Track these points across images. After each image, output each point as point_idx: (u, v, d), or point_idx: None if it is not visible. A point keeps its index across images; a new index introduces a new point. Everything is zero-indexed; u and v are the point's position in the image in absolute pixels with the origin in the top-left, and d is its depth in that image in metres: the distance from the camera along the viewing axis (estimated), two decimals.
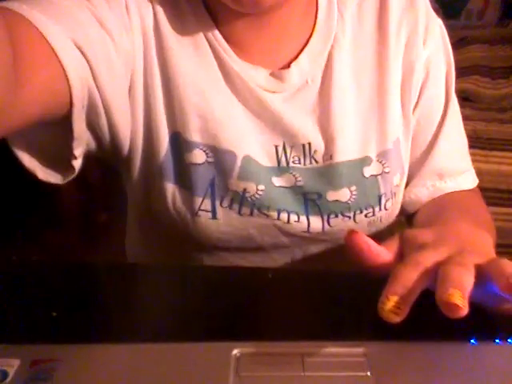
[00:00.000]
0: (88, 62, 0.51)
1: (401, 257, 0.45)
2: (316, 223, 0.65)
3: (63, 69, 0.48)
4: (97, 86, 0.53)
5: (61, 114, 0.51)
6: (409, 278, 0.40)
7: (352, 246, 0.44)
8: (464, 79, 1.23)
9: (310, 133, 0.63)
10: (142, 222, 0.73)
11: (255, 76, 0.62)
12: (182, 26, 0.61)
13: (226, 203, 0.63)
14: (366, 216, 0.66)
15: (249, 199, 0.63)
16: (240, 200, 0.63)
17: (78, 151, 0.54)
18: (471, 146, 0.74)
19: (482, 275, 0.39)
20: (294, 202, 0.65)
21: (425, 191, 0.70)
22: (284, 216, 0.64)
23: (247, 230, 0.64)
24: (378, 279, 0.41)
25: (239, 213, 0.63)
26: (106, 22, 0.54)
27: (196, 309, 0.49)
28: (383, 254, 0.44)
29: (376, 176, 0.65)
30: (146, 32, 0.60)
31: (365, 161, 0.65)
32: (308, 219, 0.65)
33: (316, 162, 0.64)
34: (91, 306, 0.50)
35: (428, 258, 0.41)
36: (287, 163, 0.64)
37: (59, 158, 0.55)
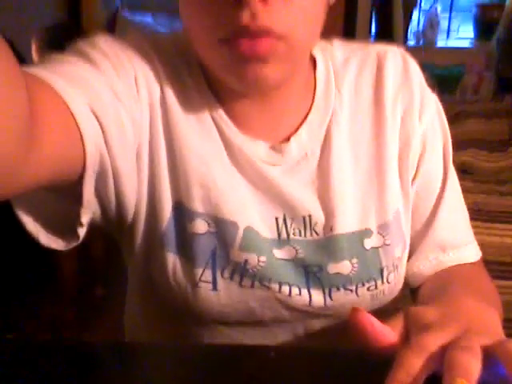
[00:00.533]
0: (102, 128, 0.52)
1: (406, 336, 0.44)
2: (318, 297, 0.64)
3: (80, 133, 0.49)
4: (108, 153, 0.54)
5: (70, 180, 0.51)
6: (413, 364, 0.39)
7: (355, 324, 0.43)
8: (462, 152, 1.24)
9: (310, 205, 0.64)
10: (142, 295, 0.72)
11: (256, 149, 0.63)
12: (187, 100, 0.63)
13: (226, 274, 0.63)
14: (368, 289, 0.65)
15: (250, 271, 0.62)
16: (241, 271, 0.63)
17: (85, 219, 0.54)
18: (473, 219, 0.74)
19: (490, 357, 0.39)
20: (295, 274, 0.64)
21: (428, 264, 0.69)
22: (285, 289, 0.63)
23: (248, 302, 0.63)
24: (382, 359, 0.40)
25: (240, 284, 0.63)
26: (117, 90, 0.56)
27: None
28: (387, 333, 0.43)
29: (377, 248, 0.65)
30: (153, 104, 0.61)
31: (365, 233, 0.65)
32: (309, 293, 0.64)
33: (316, 234, 0.64)
34: None
35: (433, 342, 0.41)
36: (288, 235, 0.64)
37: (64, 224, 0.55)
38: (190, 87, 0.63)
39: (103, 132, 0.53)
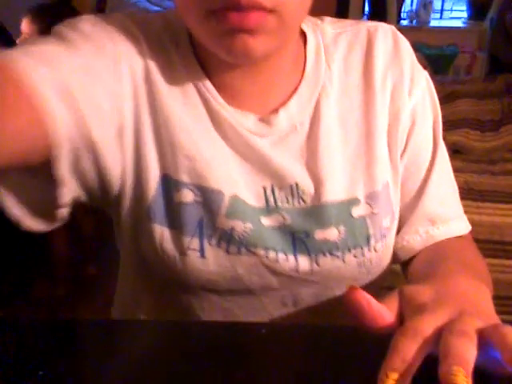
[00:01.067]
0: (74, 106, 0.52)
1: (401, 315, 0.44)
2: (304, 262, 0.65)
3: (49, 114, 0.49)
4: (82, 130, 0.53)
5: (43, 160, 0.51)
6: (408, 351, 0.39)
7: (351, 302, 0.43)
8: (454, 132, 1.24)
9: (298, 175, 0.64)
10: (132, 267, 0.72)
11: (244, 121, 0.63)
12: (172, 74, 0.63)
13: (213, 241, 0.63)
14: (355, 256, 0.65)
15: (236, 238, 0.63)
16: (228, 238, 0.63)
17: (64, 199, 0.54)
18: (463, 198, 0.74)
19: (484, 340, 0.39)
20: (282, 240, 0.64)
21: (417, 238, 0.69)
22: (272, 255, 0.64)
23: (236, 269, 0.64)
24: (376, 336, 0.40)
25: (227, 251, 0.63)
26: (95, 68, 0.56)
27: (187, 367, 0.47)
28: (384, 312, 0.43)
29: (364, 216, 0.65)
30: (136, 81, 0.61)
31: (353, 201, 0.65)
32: (296, 258, 0.64)
33: (304, 202, 0.64)
34: (79, 366, 0.48)
35: (428, 325, 0.40)
36: (275, 203, 0.64)
37: (45, 206, 0.55)
38: (176, 62, 0.63)
39: (76, 110, 0.52)
